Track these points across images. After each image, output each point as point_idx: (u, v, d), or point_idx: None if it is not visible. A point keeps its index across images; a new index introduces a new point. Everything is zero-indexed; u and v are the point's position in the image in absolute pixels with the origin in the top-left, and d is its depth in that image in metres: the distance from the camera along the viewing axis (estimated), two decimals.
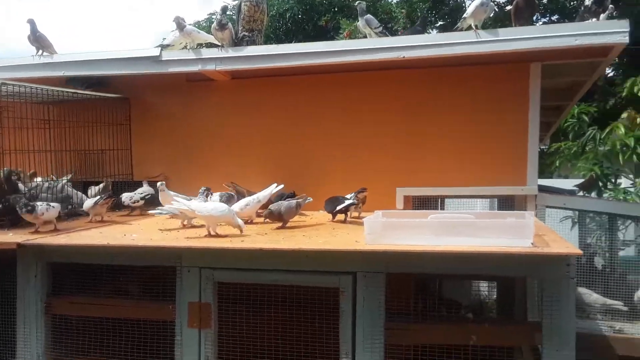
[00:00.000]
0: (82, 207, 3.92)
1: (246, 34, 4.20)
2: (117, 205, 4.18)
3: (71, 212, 3.87)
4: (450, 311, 3.34)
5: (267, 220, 3.44)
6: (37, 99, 4.26)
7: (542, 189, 4.07)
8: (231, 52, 4.04)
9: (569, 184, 6.98)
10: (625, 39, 3.28)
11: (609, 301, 3.79)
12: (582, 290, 3.83)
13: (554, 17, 13.30)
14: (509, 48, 3.55)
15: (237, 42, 4.19)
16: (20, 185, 3.89)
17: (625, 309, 3.78)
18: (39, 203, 3.39)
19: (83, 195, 4.24)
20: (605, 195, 6.88)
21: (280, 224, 3.40)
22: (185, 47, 4.39)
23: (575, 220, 4.73)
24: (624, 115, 7.41)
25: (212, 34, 4.26)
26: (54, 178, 4.28)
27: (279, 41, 13.10)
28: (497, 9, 12.60)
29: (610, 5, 3.58)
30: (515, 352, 3.12)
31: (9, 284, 3.22)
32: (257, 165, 4.43)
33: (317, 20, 14.40)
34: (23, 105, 4.22)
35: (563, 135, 8.81)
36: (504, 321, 3.02)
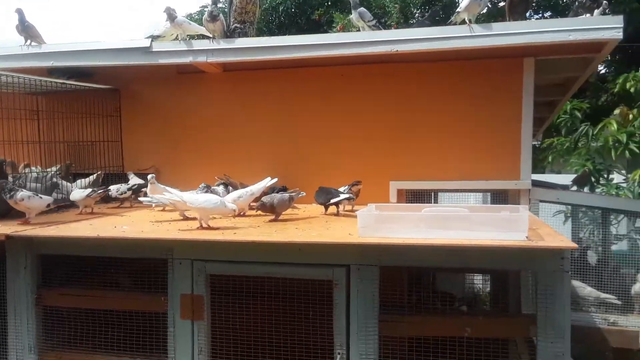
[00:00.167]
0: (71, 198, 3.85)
1: (238, 25, 4.15)
2: (106, 198, 4.13)
3: (60, 203, 3.79)
4: (444, 304, 3.34)
5: (260, 212, 3.42)
6: (26, 90, 4.19)
7: (536, 183, 4.07)
8: (223, 44, 3.99)
9: (561, 179, 7.01)
10: (619, 34, 3.27)
11: (602, 294, 3.81)
12: (576, 283, 3.84)
13: (547, 14, 13.34)
14: (503, 43, 3.53)
15: (228, 34, 4.14)
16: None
17: (618, 302, 3.79)
18: (25, 192, 3.33)
19: (72, 185, 4.19)
20: (597, 190, 6.92)
21: (272, 217, 3.38)
22: (176, 38, 4.34)
23: (568, 214, 4.75)
24: (616, 111, 7.45)
25: (203, 26, 4.21)
26: (44, 170, 4.23)
27: (272, 35, 13.03)
28: (490, 5, 12.62)
29: (604, 1, 3.58)
30: (509, 344, 3.12)
31: None
32: (249, 158, 4.40)
33: (310, 14, 14.34)
34: (11, 95, 4.16)
35: (556, 131, 8.85)
36: (499, 314, 3.02)
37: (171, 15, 4.26)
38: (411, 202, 4.11)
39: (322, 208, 3.68)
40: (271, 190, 3.71)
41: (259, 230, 2.99)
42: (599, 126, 7.28)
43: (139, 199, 3.94)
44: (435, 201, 4.92)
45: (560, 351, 2.38)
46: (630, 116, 7.16)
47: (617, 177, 7.52)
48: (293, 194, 3.50)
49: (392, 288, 2.80)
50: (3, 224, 3.30)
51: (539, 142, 8.81)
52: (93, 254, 3.05)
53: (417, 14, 14.21)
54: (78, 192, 3.81)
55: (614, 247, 4.23)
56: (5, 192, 3.28)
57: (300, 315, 2.88)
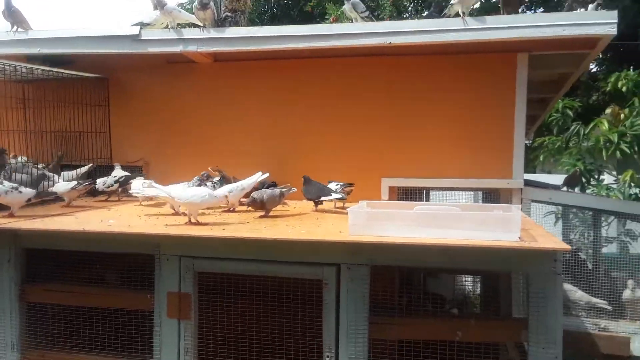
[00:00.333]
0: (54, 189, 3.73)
1: (229, 14, 4.09)
2: (93, 191, 4.04)
3: (43, 196, 3.68)
4: (435, 305, 3.30)
5: (250, 208, 3.36)
6: (12, 77, 4.08)
7: (527, 183, 4.05)
8: (213, 33, 3.90)
9: (552, 179, 7.01)
10: (613, 30, 3.24)
11: (594, 299, 3.78)
12: (567, 286, 3.82)
13: (540, 10, 13.33)
14: (497, 36, 3.49)
15: (219, 22, 4.06)
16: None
17: (609, 308, 3.77)
18: (3, 186, 3.23)
19: (58, 178, 4.08)
20: (588, 191, 6.92)
21: (262, 213, 3.32)
22: (166, 26, 4.24)
23: (559, 215, 4.74)
24: (608, 110, 7.45)
25: (194, 14, 4.11)
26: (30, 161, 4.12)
27: (264, 26, 12.91)
28: (483, 0, 12.59)
29: None
30: (500, 349, 3.10)
31: None
32: (240, 151, 4.34)
33: (303, 5, 14.22)
34: None
35: (547, 130, 8.85)
36: (490, 317, 2.99)
37: (160, 3, 4.15)
38: (403, 200, 4.07)
39: (312, 204, 3.63)
40: (261, 185, 3.65)
41: (249, 227, 2.93)
42: (590, 125, 7.28)
43: (129, 190, 3.85)
44: (427, 199, 4.89)
45: (552, 357, 2.35)
46: (622, 115, 7.16)
47: (607, 178, 7.53)
48: (284, 189, 3.44)
49: (382, 288, 2.76)
50: None
51: (530, 141, 8.81)
52: (78, 248, 2.98)
53: (410, 8, 14.16)
54: (62, 184, 3.71)
55: (604, 250, 4.22)
56: None
57: (289, 315, 2.83)
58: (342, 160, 4.16)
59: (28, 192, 3.33)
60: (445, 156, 4.04)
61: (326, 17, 12.00)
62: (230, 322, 2.88)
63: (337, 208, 3.66)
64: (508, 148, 3.93)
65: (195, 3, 4.06)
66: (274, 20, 14.29)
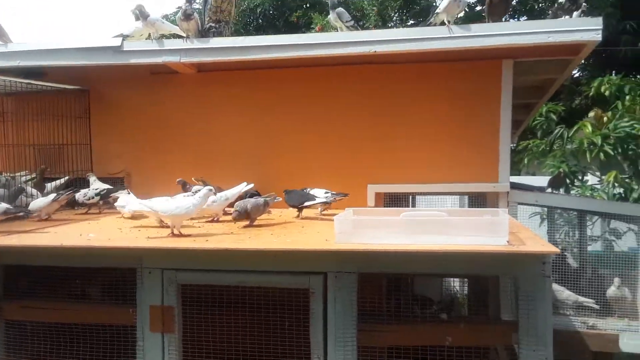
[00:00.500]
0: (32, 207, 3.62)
1: (213, 25, 4.04)
2: (72, 203, 3.96)
3: (14, 212, 3.57)
4: (423, 309, 3.27)
5: (237, 221, 3.28)
6: None
7: (513, 185, 4.05)
8: (197, 44, 3.86)
9: (537, 181, 7.05)
10: (598, 36, 3.26)
11: (581, 298, 3.79)
12: (554, 286, 3.82)
13: (523, 19, 13.48)
14: (482, 44, 3.49)
15: (203, 33, 4.02)
16: None
17: (596, 307, 3.78)
18: None
19: (37, 193, 3.98)
20: (572, 192, 6.98)
21: (247, 222, 3.26)
22: (148, 37, 4.19)
23: (544, 216, 4.75)
24: (591, 114, 7.55)
25: (177, 25, 4.08)
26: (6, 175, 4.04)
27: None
28: (466, 9, 12.71)
29: (584, 3, 3.57)
30: (490, 351, 3.07)
31: None
32: (224, 162, 4.29)
33: (289, 16, 14.26)
34: None
35: (531, 134, 8.92)
36: (480, 321, 2.97)
37: (143, 13, 4.11)
38: (389, 206, 4.05)
39: (296, 212, 3.60)
40: (245, 194, 3.61)
41: (233, 237, 2.88)
42: (574, 128, 7.35)
43: (116, 204, 3.76)
44: (413, 204, 4.86)
45: (542, 358, 2.32)
46: (605, 119, 7.24)
47: (591, 179, 7.60)
48: (268, 198, 3.40)
49: (370, 295, 2.71)
50: None
51: (514, 145, 8.87)
52: (57, 264, 2.89)
53: (395, 17, 14.26)
54: (40, 200, 3.63)
55: (589, 249, 4.24)
56: None
57: (276, 326, 2.78)
58: (328, 167, 4.14)
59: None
60: (432, 161, 4.03)
61: (312, 26, 12.05)
62: (215, 334, 2.81)
63: (322, 215, 3.62)
64: (494, 152, 3.94)
65: (179, 14, 4.03)
66: (260, 30, 14.28)
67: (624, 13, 10.24)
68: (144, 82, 4.43)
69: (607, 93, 7.94)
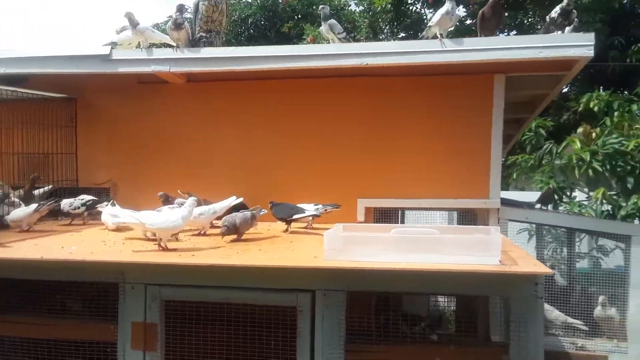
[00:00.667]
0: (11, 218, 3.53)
1: (203, 34, 4.00)
2: (56, 213, 3.86)
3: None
4: (412, 326, 3.21)
5: (225, 237, 3.20)
6: None
7: (503, 201, 4.02)
8: (187, 53, 3.82)
9: (524, 196, 7.04)
10: (590, 52, 3.26)
11: (570, 319, 3.76)
12: (544, 306, 3.79)
13: (512, 33, 13.60)
14: (474, 58, 3.49)
15: (193, 43, 3.97)
16: None
17: (585, 328, 3.75)
18: None
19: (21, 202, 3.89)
20: (560, 208, 6.97)
21: (234, 237, 3.20)
22: (138, 46, 4.14)
23: (532, 232, 4.73)
24: (580, 130, 7.55)
25: (167, 34, 4.03)
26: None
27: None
28: (458, 23, 12.79)
29: (576, 19, 3.57)
30: None
31: None
32: (212, 173, 4.22)
33: (280, 27, 14.28)
34: None
35: (520, 149, 8.94)
36: (470, 342, 2.91)
37: (132, 21, 4.06)
38: (379, 220, 4.01)
39: (285, 226, 3.54)
40: (233, 207, 3.54)
41: (219, 252, 2.81)
42: (563, 144, 7.36)
43: (102, 218, 3.66)
44: (402, 219, 4.82)
45: None
46: (593, 135, 7.26)
47: (579, 195, 7.61)
48: (255, 211, 3.33)
49: (359, 314, 2.66)
50: None
51: (503, 159, 8.88)
52: (37, 277, 2.80)
53: (386, 29, 14.33)
54: (21, 210, 3.53)
55: (577, 265, 4.22)
56: None
57: (262, 345, 2.70)
58: (318, 180, 4.08)
59: None
60: (422, 176, 4.00)
61: (303, 37, 12.06)
62: (199, 352, 2.73)
63: (311, 229, 3.57)
64: (485, 168, 3.91)
65: (169, 23, 3.98)
66: (251, 41, 14.27)
67: (612, 29, 10.35)
68: (132, 91, 4.36)
69: (595, 108, 7.98)
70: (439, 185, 3.95)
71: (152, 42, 4.19)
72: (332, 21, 4.15)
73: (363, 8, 14.03)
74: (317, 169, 4.12)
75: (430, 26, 3.75)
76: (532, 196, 7.45)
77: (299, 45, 4.11)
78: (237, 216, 3.18)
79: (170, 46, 3.99)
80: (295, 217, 3.48)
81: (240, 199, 3.55)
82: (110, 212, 3.56)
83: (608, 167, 6.58)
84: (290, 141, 4.18)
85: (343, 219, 3.53)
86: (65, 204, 3.82)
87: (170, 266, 2.59)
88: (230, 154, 4.25)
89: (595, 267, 4.44)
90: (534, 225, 4.48)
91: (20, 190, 3.99)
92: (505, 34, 13.71)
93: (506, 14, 11.86)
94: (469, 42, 3.51)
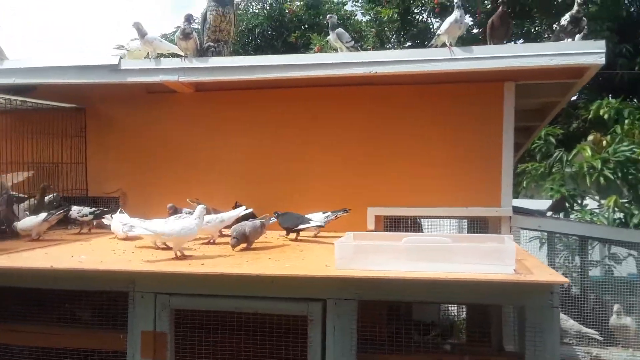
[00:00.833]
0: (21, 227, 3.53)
1: (212, 44, 4.01)
2: (66, 220, 3.87)
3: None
4: (425, 334, 3.15)
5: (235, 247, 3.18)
6: None
7: (515, 209, 3.98)
8: (195, 63, 3.83)
9: (535, 204, 6.98)
10: (601, 59, 3.23)
11: (584, 329, 3.70)
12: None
13: (519, 41, 13.58)
14: (484, 66, 3.47)
15: (201, 52, 3.98)
16: None
17: (600, 338, 3.68)
18: None
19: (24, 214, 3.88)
20: (572, 216, 6.91)
21: (244, 245, 3.17)
22: (146, 56, 4.15)
23: (544, 240, 4.67)
24: (590, 137, 7.50)
25: (175, 44, 4.04)
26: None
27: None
28: (464, 33, 12.78)
29: (586, 26, 3.55)
30: None
31: None
32: (221, 182, 4.21)
33: (287, 36, 14.33)
34: None
35: (529, 157, 8.87)
36: (484, 352, 2.86)
37: (140, 31, 4.08)
38: (389, 229, 3.97)
39: (294, 235, 3.52)
40: (242, 217, 3.52)
41: (229, 261, 2.79)
42: (574, 152, 7.31)
43: (120, 228, 3.65)
44: (413, 227, 4.77)
45: None
46: (604, 142, 7.21)
47: (590, 203, 7.54)
48: (264, 220, 3.31)
49: (370, 323, 2.62)
50: None
51: (514, 167, 8.82)
52: (47, 286, 2.78)
53: (392, 39, 14.34)
54: (30, 219, 3.53)
55: (590, 274, 4.16)
56: None
57: (272, 354, 2.67)
58: (328, 189, 4.07)
59: None
60: (433, 184, 3.97)
61: (310, 47, 12.08)
62: None
63: (319, 237, 3.55)
64: (496, 176, 3.87)
65: (178, 33, 4.00)
66: (258, 51, 14.33)
67: (620, 37, 10.30)
68: (141, 101, 4.38)
69: (605, 116, 7.92)
70: (450, 193, 3.92)
71: (161, 52, 4.21)
72: (340, 30, 4.15)
73: (370, 18, 14.05)
74: (327, 177, 4.10)
75: (439, 34, 3.74)
76: (542, 204, 7.39)
77: (308, 54, 4.11)
78: (247, 225, 3.16)
79: (178, 56, 4.01)
80: (300, 227, 3.46)
81: (250, 210, 3.54)
82: (121, 221, 3.55)
83: (619, 174, 6.53)
84: (298, 149, 4.17)
85: (353, 227, 3.49)
86: (74, 210, 3.83)
87: (180, 275, 2.57)
88: (238, 163, 4.24)
89: (608, 275, 4.37)
90: (545, 234, 4.42)
91: (32, 200, 4.00)
92: (513, 42, 13.70)
93: (514, 23, 11.86)
94: (478, 50, 3.50)
